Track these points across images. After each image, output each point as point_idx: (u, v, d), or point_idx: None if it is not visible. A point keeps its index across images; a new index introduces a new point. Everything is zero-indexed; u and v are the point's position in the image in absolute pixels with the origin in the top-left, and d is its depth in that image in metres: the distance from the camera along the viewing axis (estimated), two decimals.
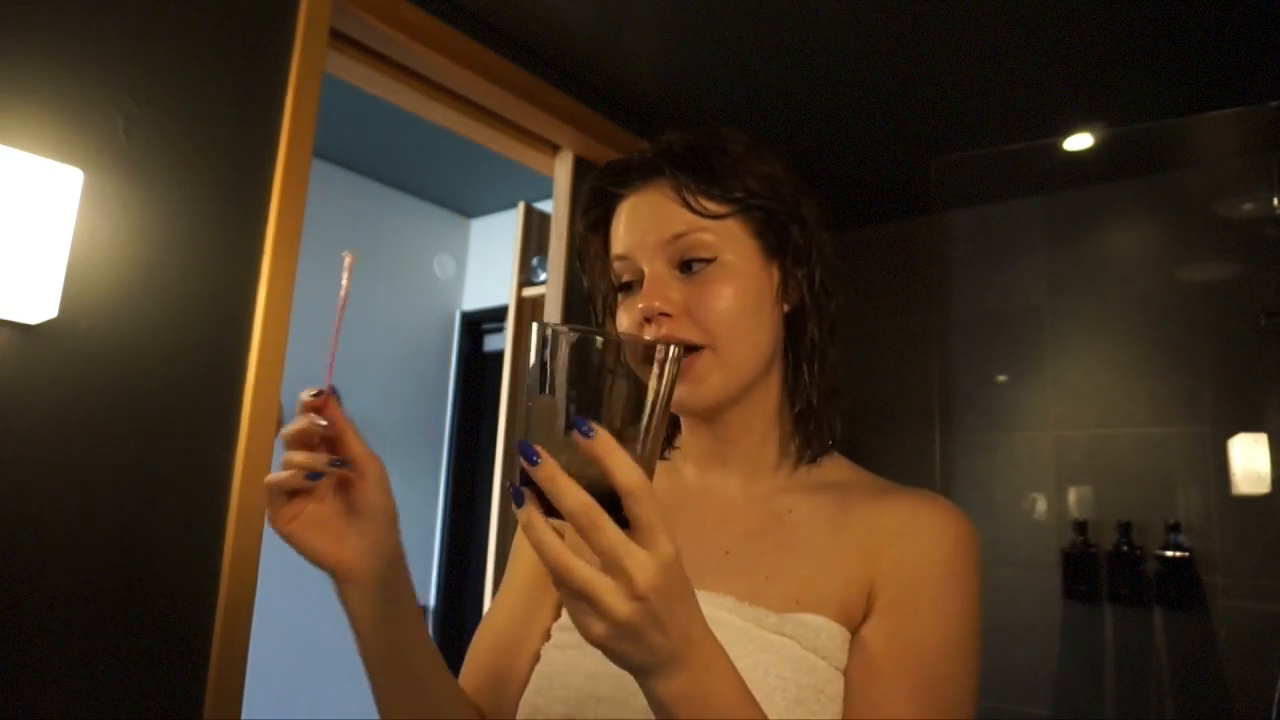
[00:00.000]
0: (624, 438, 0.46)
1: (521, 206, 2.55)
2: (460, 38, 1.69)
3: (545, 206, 2.44)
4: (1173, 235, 2.25)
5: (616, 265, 0.73)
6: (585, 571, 0.45)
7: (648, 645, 0.46)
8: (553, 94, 1.91)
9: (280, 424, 1.94)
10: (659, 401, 0.48)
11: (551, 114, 1.91)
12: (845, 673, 0.64)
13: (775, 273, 0.73)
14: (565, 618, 0.72)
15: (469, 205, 3.21)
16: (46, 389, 1.09)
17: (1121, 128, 2.07)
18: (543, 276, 2.41)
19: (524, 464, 0.45)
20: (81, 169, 1.11)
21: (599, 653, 0.64)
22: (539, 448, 0.45)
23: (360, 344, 2.84)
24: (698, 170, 0.70)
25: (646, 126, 2.17)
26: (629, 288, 0.72)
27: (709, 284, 0.69)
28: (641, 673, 0.48)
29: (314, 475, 0.57)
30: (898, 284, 2.66)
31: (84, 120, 1.15)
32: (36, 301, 1.05)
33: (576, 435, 0.45)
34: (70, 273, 1.11)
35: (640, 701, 0.57)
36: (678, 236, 0.69)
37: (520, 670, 0.73)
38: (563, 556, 0.45)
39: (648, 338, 0.68)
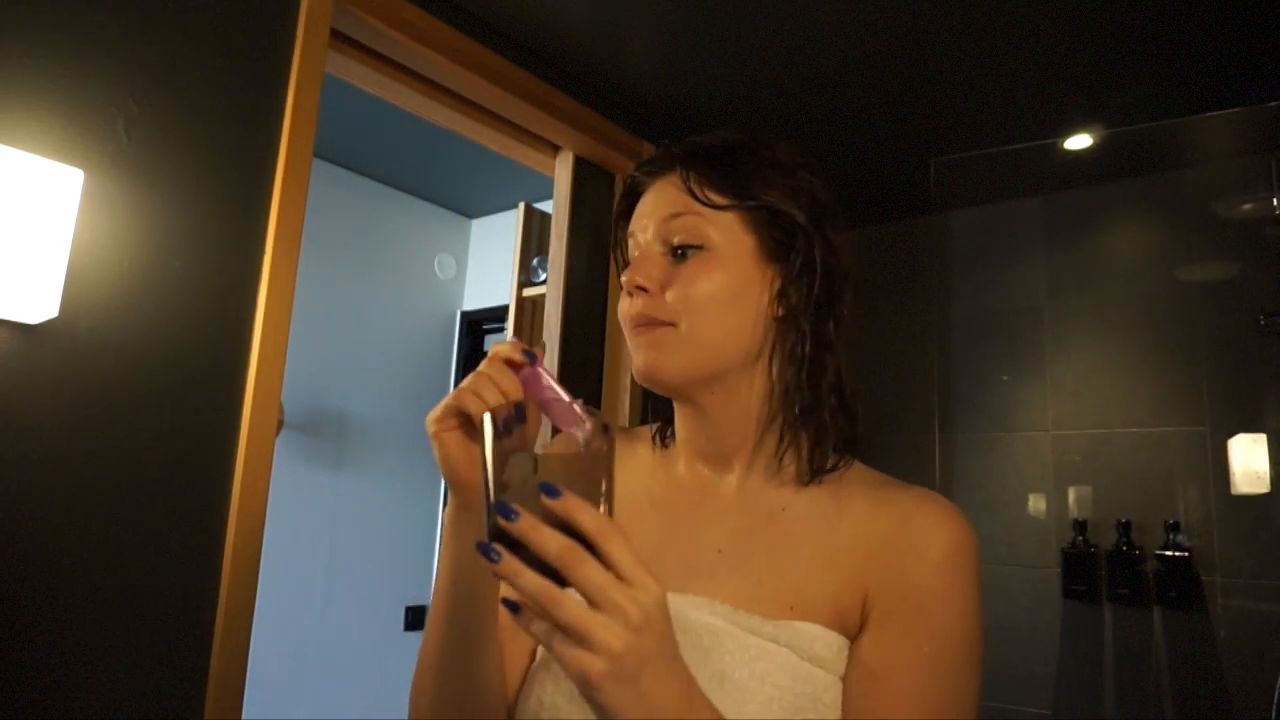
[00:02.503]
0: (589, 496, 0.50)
1: (521, 206, 2.55)
2: (461, 38, 1.69)
3: (545, 206, 2.44)
4: (1173, 235, 2.25)
5: (628, 244, 0.76)
6: (577, 607, 0.46)
7: (642, 693, 0.47)
8: (553, 94, 1.91)
9: (281, 424, 1.94)
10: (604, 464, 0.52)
11: (551, 114, 1.91)
12: (844, 684, 0.64)
13: (772, 275, 0.73)
14: None
15: (469, 205, 3.21)
16: (47, 389, 1.09)
17: (1121, 128, 2.07)
18: (543, 276, 2.41)
19: (501, 521, 0.47)
20: (82, 169, 1.11)
21: None
22: (517, 505, 0.47)
23: (360, 344, 2.84)
24: (710, 165, 0.73)
25: (646, 126, 2.17)
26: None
27: (693, 268, 0.71)
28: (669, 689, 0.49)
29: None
30: (898, 284, 2.65)
31: (84, 120, 1.15)
32: (37, 301, 1.05)
33: (543, 498, 0.47)
34: (71, 273, 1.11)
35: None
36: (674, 216, 0.72)
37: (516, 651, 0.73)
38: (553, 592, 0.46)
39: (625, 314, 0.72)
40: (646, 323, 0.70)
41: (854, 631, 0.66)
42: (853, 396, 0.76)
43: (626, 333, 0.74)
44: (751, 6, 1.67)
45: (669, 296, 0.70)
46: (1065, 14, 1.64)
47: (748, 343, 0.72)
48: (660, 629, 0.47)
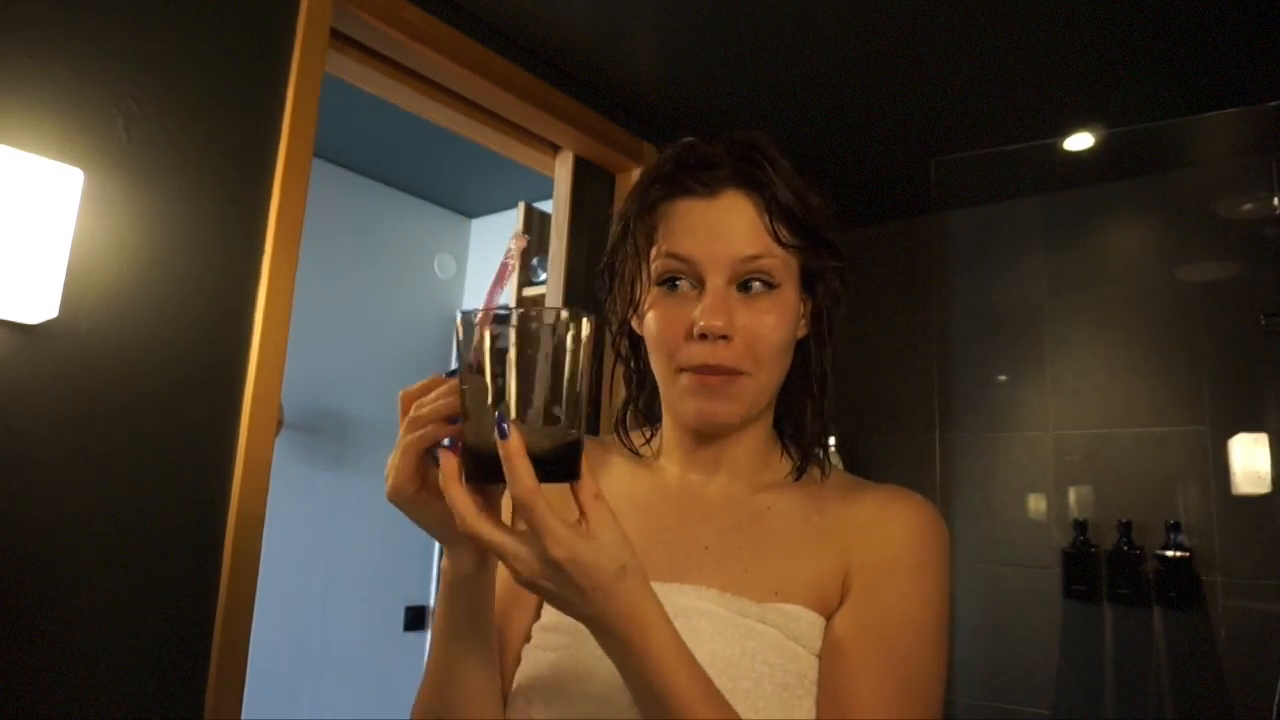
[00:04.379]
0: (549, 412, 0.51)
1: (521, 206, 2.55)
2: (460, 38, 1.69)
3: (545, 206, 2.44)
4: (1173, 235, 2.25)
5: (669, 262, 0.71)
6: (494, 534, 0.51)
7: (564, 601, 0.53)
8: (553, 94, 1.91)
9: (281, 424, 1.93)
10: (578, 373, 0.52)
11: (551, 114, 1.91)
12: (820, 657, 0.67)
13: (802, 307, 0.75)
14: (546, 618, 0.73)
15: (469, 205, 3.21)
16: (47, 389, 1.09)
17: (1121, 128, 2.07)
18: (543, 276, 2.41)
19: (496, 436, 0.49)
20: (82, 169, 1.11)
21: (587, 652, 0.65)
22: (512, 423, 0.49)
23: (360, 344, 2.84)
24: (778, 197, 0.70)
25: (646, 127, 2.17)
26: (672, 284, 0.72)
27: (765, 312, 0.70)
28: (577, 619, 0.55)
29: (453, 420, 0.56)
30: (898, 284, 2.65)
31: (84, 120, 1.15)
32: (37, 301, 1.05)
33: (496, 434, 0.49)
34: (70, 273, 1.11)
35: (626, 698, 0.58)
36: (753, 258, 0.70)
37: (508, 650, 0.73)
38: (474, 521, 0.51)
39: (696, 358, 0.69)
40: (722, 372, 0.68)
41: (833, 612, 0.68)
42: (834, 417, 0.78)
43: (677, 369, 0.70)
44: (751, 6, 1.67)
45: (746, 342, 0.69)
46: (1065, 14, 1.64)
47: (784, 376, 0.74)
48: (574, 571, 0.51)
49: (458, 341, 0.52)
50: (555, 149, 2.10)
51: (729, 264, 0.69)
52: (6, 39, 1.08)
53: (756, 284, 0.70)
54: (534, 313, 0.51)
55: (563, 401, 0.51)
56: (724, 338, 0.68)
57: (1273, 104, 1.87)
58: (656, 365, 0.73)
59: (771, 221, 0.70)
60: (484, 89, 1.79)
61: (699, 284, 0.70)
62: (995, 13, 1.65)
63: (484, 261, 3.24)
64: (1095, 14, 1.64)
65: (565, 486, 0.53)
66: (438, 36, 1.65)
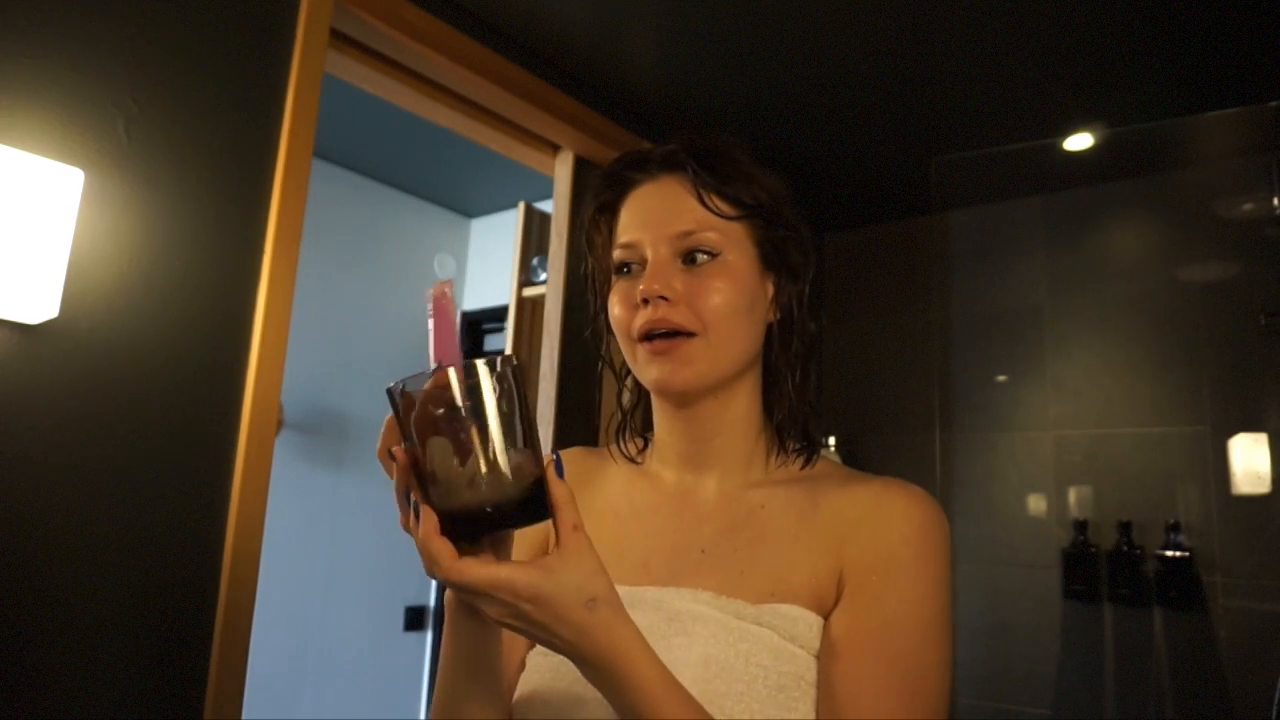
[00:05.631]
0: (513, 457, 0.52)
1: (521, 206, 2.55)
2: (460, 38, 1.69)
3: (545, 206, 2.44)
4: (1173, 235, 2.25)
5: (619, 253, 0.75)
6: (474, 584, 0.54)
7: (537, 638, 0.55)
8: (553, 94, 1.91)
9: (281, 424, 1.93)
10: (513, 410, 0.53)
11: (551, 114, 1.91)
12: (819, 656, 0.66)
13: (769, 285, 0.76)
14: None
15: (469, 205, 3.21)
16: (47, 389, 1.09)
17: (1121, 128, 2.07)
18: (543, 276, 2.41)
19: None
20: (82, 169, 1.11)
21: None
22: (421, 503, 0.53)
23: (360, 344, 2.84)
24: (715, 170, 0.73)
25: (646, 126, 2.17)
26: (627, 271, 0.75)
27: (709, 277, 0.71)
28: (558, 653, 0.57)
29: None
30: (898, 284, 2.65)
31: (84, 120, 1.15)
32: (37, 301, 1.05)
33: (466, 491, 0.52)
34: (71, 273, 1.11)
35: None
36: (686, 234, 0.72)
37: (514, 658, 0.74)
38: (454, 572, 0.55)
39: (640, 321, 0.71)
40: (667, 332, 0.70)
41: (830, 610, 0.68)
42: (816, 404, 0.79)
43: (634, 342, 0.73)
44: (751, 6, 1.67)
45: (690, 306, 0.70)
46: (1065, 14, 1.64)
47: (752, 352, 0.75)
48: (533, 609, 0.53)
49: (397, 416, 0.53)
50: (555, 149, 2.10)
51: (667, 240, 0.72)
52: (6, 39, 1.08)
53: (700, 255, 0.72)
54: (471, 368, 0.52)
55: (526, 443, 0.53)
56: (663, 299, 0.70)
57: (1273, 104, 1.87)
58: (622, 347, 0.76)
59: (705, 195, 0.72)
60: (484, 89, 1.79)
61: (645, 264, 0.73)
62: (995, 13, 1.65)
63: (484, 261, 3.24)
64: (1095, 14, 1.64)
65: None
66: (438, 36, 1.65)
